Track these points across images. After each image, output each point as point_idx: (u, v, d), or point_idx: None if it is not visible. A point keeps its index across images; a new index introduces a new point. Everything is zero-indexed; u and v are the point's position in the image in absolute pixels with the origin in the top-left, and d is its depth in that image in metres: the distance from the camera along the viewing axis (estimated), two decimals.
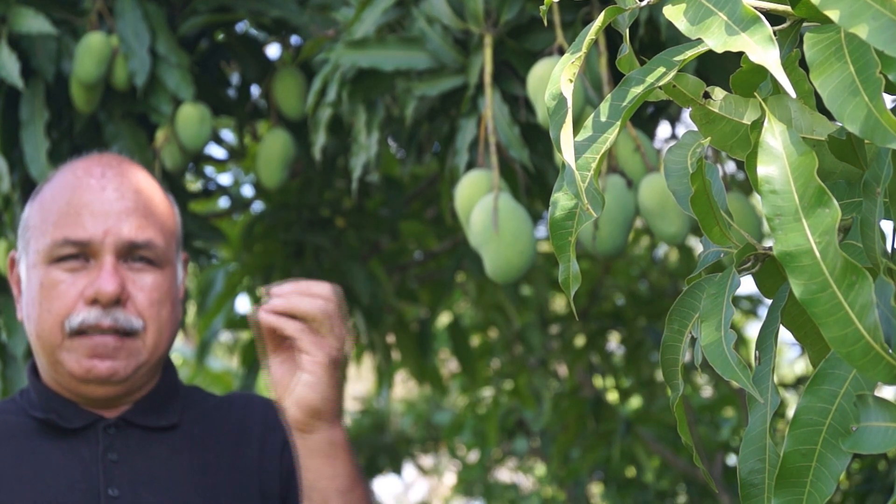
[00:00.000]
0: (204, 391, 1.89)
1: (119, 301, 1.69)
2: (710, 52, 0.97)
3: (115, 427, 1.73)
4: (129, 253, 1.72)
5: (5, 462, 1.69)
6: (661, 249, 4.88)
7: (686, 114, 1.16)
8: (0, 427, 1.74)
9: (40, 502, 1.65)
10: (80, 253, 1.71)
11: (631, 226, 2.06)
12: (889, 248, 0.98)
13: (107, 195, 1.72)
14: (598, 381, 5.06)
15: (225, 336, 5.81)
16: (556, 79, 1.02)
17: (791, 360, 5.92)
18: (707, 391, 5.63)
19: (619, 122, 1.04)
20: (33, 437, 1.72)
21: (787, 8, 1.00)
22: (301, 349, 1.58)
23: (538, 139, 2.23)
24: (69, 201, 1.72)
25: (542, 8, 1.07)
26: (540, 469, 6.74)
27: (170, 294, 1.75)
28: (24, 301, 1.76)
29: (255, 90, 3.03)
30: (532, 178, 2.31)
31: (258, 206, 3.66)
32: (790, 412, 3.37)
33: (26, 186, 2.62)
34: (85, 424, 1.72)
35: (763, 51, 0.90)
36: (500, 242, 2.00)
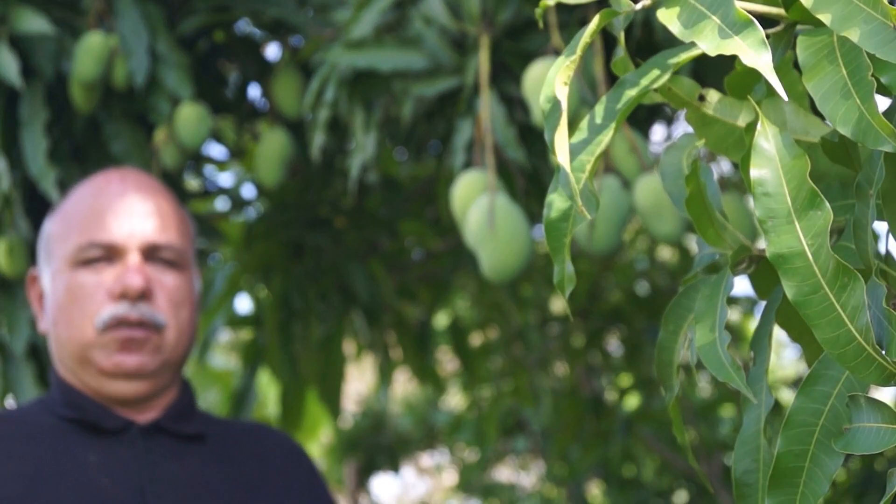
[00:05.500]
0: (215, 416, 1.93)
1: (145, 296, 1.74)
2: (704, 54, 0.97)
3: (149, 431, 1.76)
4: (152, 253, 1.77)
5: (43, 460, 1.69)
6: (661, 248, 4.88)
7: (683, 114, 1.17)
8: (33, 427, 1.75)
9: (85, 498, 1.66)
10: (106, 255, 1.76)
11: (625, 225, 2.06)
12: (881, 250, 0.99)
13: (129, 198, 1.78)
14: (597, 381, 5.06)
15: (224, 335, 5.81)
16: (550, 81, 1.02)
17: (791, 359, 5.92)
18: (706, 390, 5.63)
19: (613, 124, 1.04)
20: (68, 436, 1.74)
21: (781, 11, 1.00)
22: None
23: (535, 139, 2.23)
24: (92, 206, 1.78)
25: (538, 10, 1.08)
26: (539, 468, 6.74)
27: (189, 297, 1.81)
28: (50, 309, 1.79)
29: (254, 90, 3.03)
30: (529, 179, 2.31)
31: (257, 206, 3.66)
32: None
33: (26, 186, 2.62)
34: (119, 427, 1.75)
35: (756, 54, 0.91)
36: (496, 242, 2.00)
